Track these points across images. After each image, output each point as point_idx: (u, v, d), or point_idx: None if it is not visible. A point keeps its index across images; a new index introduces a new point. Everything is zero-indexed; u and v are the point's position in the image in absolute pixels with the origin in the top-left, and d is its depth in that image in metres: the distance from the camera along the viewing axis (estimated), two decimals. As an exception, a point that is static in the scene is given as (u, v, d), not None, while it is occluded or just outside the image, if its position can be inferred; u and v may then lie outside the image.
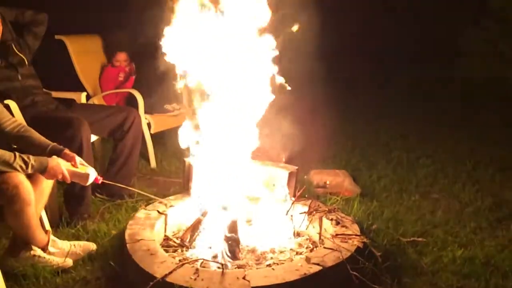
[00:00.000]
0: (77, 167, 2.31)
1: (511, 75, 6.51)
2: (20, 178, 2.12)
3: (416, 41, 7.38)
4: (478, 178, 3.81)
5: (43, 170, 2.18)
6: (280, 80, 2.46)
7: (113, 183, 2.63)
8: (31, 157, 2.15)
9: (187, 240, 2.50)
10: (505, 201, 3.32)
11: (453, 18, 7.25)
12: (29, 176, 2.20)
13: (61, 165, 2.22)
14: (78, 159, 2.32)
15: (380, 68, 7.12)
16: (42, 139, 2.38)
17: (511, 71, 6.58)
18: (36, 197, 2.22)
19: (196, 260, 2.27)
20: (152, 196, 2.79)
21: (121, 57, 4.35)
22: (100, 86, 4.32)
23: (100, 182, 2.42)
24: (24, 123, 2.52)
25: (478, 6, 6.88)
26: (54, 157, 2.26)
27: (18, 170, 2.11)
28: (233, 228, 2.38)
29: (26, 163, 2.13)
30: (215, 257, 2.32)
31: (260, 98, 2.46)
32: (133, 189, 2.94)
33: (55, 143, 2.36)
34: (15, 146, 2.46)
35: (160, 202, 2.75)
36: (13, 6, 3.12)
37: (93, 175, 2.34)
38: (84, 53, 4.22)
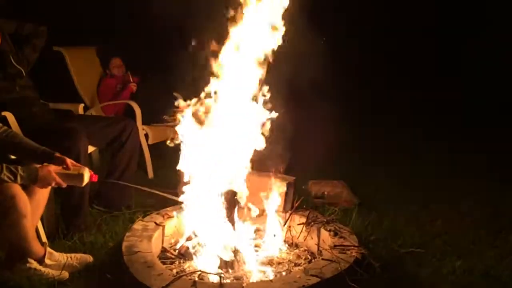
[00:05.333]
0: (70, 169, 2.25)
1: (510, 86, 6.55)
2: (15, 190, 2.10)
3: (416, 55, 7.42)
4: (476, 188, 3.80)
5: (34, 180, 2.15)
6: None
7: (113, 181, 2.56)
8: (19, 167, 2.12)
9: (185, 252, 2.49)
10: (503, 212, 3.32)
11: (452, 34, 7.30)
12: (25, 187, 2.18)
13: (52, 172, 2.18)
14: (69, 161, 2.27)
15: (379, 78, 7.15)
16: (32, 143, 2.33)
17: (509, 82, 6.62)
18: (32, 208, 2.21)
19: (194, 272, 2.25)
20: (168, 195, 2.69)
21: (117, 62, 4.39)
22: (98, 97, 4.33)
23: (97, 180, 2.35)
24: (19, 132, 2.50)
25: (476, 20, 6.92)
26: (45, 164, 2.23)
27: (6, 182, 2.08)
28: (231, 238, 2.37)
29: (14, 174, 2.10)
30: (213, 269, 2.30)
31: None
32: (145, 188, 2.75)
33: (45, 147, 2.31)
34: (13, 157, 2.45)
35: (175, 199, 2.65)
36: (13, 18, 3.13)
37: (87, 174, 2.27)
38: (82, 65, 4.23)
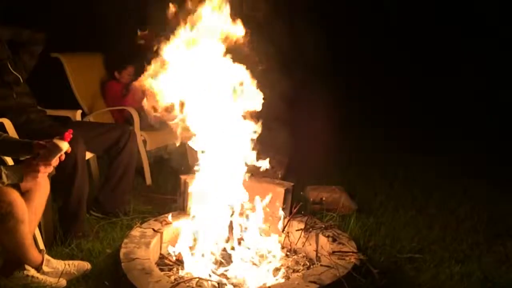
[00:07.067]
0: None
1: (503, 86, 6.54)
2: (13, 196, 2.09)
3: (412, 56, 7.42)
4: (474, 193, 3.81)
5: (20, 176, 2.12)
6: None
7: None
8: (1, 166, 2.10)
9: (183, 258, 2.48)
10: (501, 217, 3.33)
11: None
12: (23, 194, 2.17)
13: (32, 160, 2.14)
14: (43, 142, 2.20)
15: (377, 84, 7.15)
16: (14, 139, 2.29)
17: (503, 82, 6.62)
18: (29, 215, 2.19)
19: (192, 279, 2.24)
20: None
21: (131, 70, 4.41)
22: (106, 102, 4.33)
23: (70, 137, 2.20)
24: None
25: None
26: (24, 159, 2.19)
27: None
28: (229, 244, 2.37)
29: None
30: (211, 275, 2.30)
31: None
32: None
33: (26, 140, 2.26)
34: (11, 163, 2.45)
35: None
36: (11, 24, 3.13)
37: (58, 140, 2.17)
38: (81, 71, 4.22)
